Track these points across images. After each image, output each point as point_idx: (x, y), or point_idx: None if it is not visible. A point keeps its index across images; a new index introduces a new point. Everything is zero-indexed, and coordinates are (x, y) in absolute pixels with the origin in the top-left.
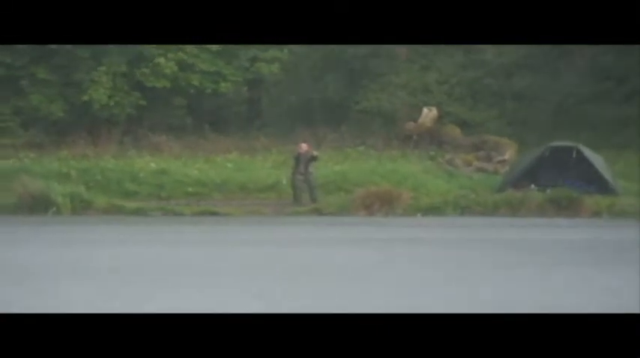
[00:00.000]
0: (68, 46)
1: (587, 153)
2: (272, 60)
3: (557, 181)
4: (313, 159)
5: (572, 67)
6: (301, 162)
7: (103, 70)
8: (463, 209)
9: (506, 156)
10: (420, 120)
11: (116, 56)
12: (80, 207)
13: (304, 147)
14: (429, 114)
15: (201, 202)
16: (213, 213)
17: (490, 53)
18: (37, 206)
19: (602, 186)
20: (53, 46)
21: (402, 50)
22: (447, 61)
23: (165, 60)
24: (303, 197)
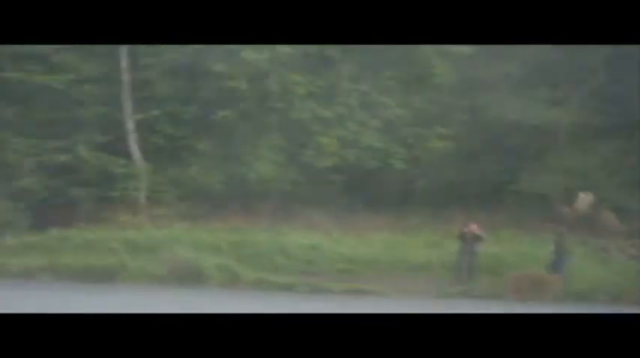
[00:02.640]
0: (231, 117)
1: None
2: (437, 136)
3: None
4: (478, 239)
5: None
6: (467, 242)
7: (264, 145)
8: (615, 296)
9: None
10: (575, 204)
11: (275, 130)
12: (229, 280)
13: (474, 227)
14: (585, 198)
15: (351, 280)
16: (362, 291)
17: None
18: (188, 277)
19: None
20: (215, 118)
21: (561, 133)
22: (609, 145)
23: (328, 138)
24: (464, 277)
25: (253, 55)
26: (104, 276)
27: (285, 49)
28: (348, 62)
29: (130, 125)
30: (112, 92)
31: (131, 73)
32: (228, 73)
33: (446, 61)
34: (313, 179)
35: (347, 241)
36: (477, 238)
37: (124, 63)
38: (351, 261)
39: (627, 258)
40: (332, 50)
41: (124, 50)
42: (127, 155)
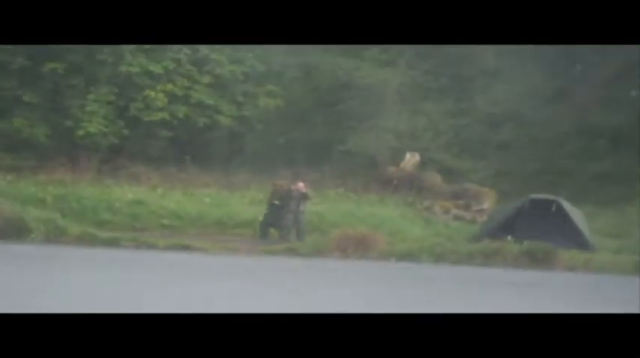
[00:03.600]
0: (59, 72)
1: (567, 207)
2: (268, 94)
3: (535, 234)
4: (305, 198)
5: (560, 121)
6: (293, 200)
7: (92, 98)
8: (438, 256)
9: (485, 206)
10: (402, 164)
11: (105, 85)
12: (54, 234)
13: (301, 185)
14: (411, 159)
15: (176, 235)
16: (186, 247)
17: (480, 102)
18: (10, 229)
19: (579, 241)
20: (43, 70)
21: (392, 94)
22: (437, 107)
23: (155, 92)
24: (290, 235)
25: None
26: None
27: None
28: None
29: None
30: None
31: None
32: None
33: None
34: (141, 134)
35: (173, 197)
36: (303, 197)
37: None
38: (176, 216)
39: (451, 218)
40: None
41: None
42: None
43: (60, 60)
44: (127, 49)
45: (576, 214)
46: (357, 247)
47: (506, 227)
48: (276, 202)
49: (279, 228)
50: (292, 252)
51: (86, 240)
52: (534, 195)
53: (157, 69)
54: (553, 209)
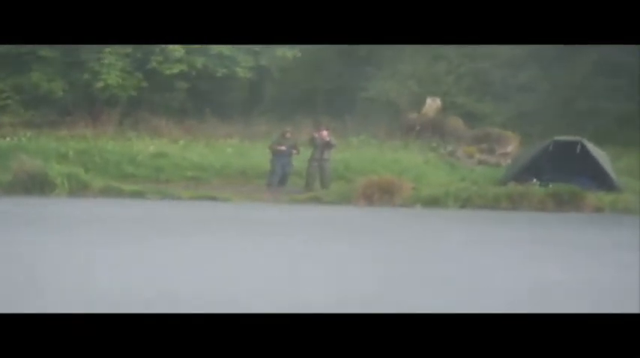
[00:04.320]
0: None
1: (591, 148)
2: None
3: (560, 176)
4: (329, 146)
5: (582, 62)
6: (318, 148)
7: (109, 51)
8: (464, 201)
9: (509, 149)
10: (423, 110)
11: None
12: (77, 188)
13: (324, 134)
14: (432, 104)
15: (200, 187)
16: (212, 198)
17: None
18: (34, 185)
19: (605, 182)
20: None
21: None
22: (456, 50)
23: (174, 45)
24: (315, 183)
25: None
26: None
27: None
28: None
29: None
30: None
31: None
32: None
33: None
34: (160, 86)
35: (195, 148)
36: (327, 145)
37: None
38: (200, 168)
39: (475, 163)
40: None
41: None
42: None
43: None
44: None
45: (601, 155)
46: (382, 194)
47: (531, 170)
48: (283, 148)
49: (284, 177)
50: (317, 200)
51: (111, 194)
52: (558, 137)
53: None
54: (577, 150)
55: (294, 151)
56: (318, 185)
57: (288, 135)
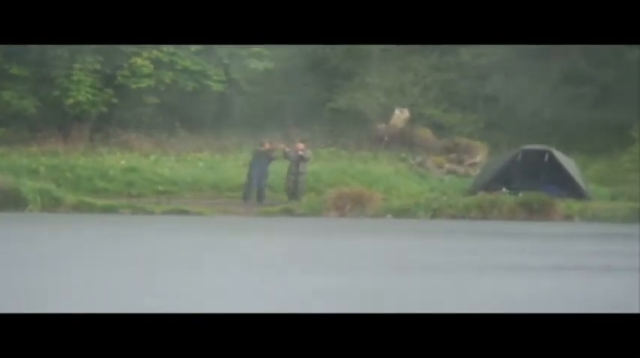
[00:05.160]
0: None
1: (560, 156)
2: (255, 56)
3: (529, 185)
4: (303, 159)
5: (546, 71)
6: (293, 162)
7: (78, 67)
8: (434, 211)
9: (478, 159)
10: (392, 121)
11: (90, 54)
12: (50, 204)
13: (300, 146)
14: (400, 115)
15: (172, 201)
16: (184, 212)
17: (466, 55)
18: (7, 201)
19: (574, 190)
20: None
21: (376, 50)
22: (422, 62)
23: (141, 59)
24: (288, 195)
25: None
26: None
27: None
28: None
29: None
30: None
31: None
32: None
33: None
34: (130, 101)
35: (166, 163)
36: (301, 158)
37: None
38: (171, 182)
39: (444, 173)
40: None
41: None
42: None
43: None
44: None
45: (569, 163)
46: (353, 205)
47: (500, 179)
48: (267, 146)
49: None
50: (289, 212)
51: (83, 209)
52: (526, 146)
53: None
54: (546, 159)
55: (272, 158)
56: (289, 196)
57: (267, 145)
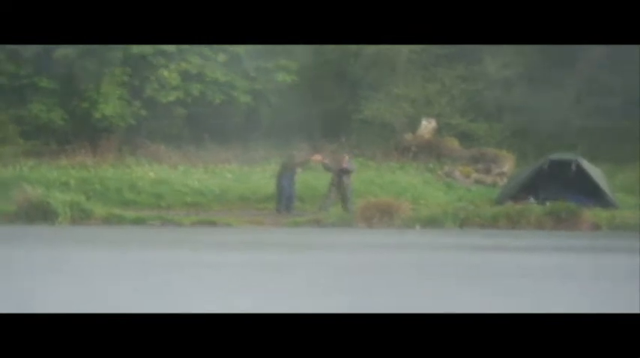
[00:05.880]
0: (72, 56)
1: (586, 166)
2: (281, 69)
3: (557, 194)
4: (347, 171)
5: (572, 80)
6: (335, 174)
7: (106, 80)
8: (462, 221)
9: (505, 169)
10: (419, 132)
11: (118, 66)
12: (79, 216)
13: (345, 158)
14: (427, 126)
15: (201, 213)
16: (212, 223)
17: (491, 66)
18: (37, 214)
19: (601, 199)
20: (56, 55)
21: (402, 61)
22: (448, 72)
23: (169, 72)
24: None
25: None
26: None
27: None
28: None
29: None
30: None
31: None
32: None
33: None
34: (158, 113)
35: (195, 174)
36: (345, 171)
37: None
38: (200, 193)
39: (472, 182)
40: None
41: None
42: None
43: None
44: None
45: (596, 172)
46: (381, 216)
47: (527, 189)
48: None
49: (290, 199)
50: (317, 223)
51: (113, 221)
52: (553, 156)
53: (169, 48)
54: (573, 168)
55: (299, 170)
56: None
57: (296, 158)
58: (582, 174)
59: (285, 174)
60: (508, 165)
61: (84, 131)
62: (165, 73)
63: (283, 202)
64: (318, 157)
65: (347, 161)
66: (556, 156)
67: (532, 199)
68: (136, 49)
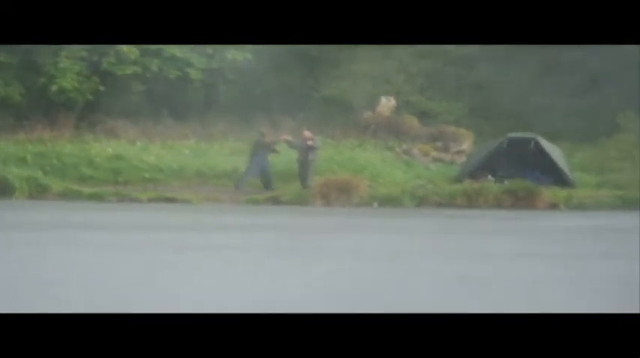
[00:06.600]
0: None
1: (545, 144)
2: (237, 47)
3: (515, 173)
4: (311, 148)
5: (532, 60)
6: (301, 151)
7: (64, 55)
8: (420, 199)
9: (464, 147)
10: (378, 109)
11: None
12: (37, 192)
13: (308, 135)
14: (387, 103)
15: (159, 188)
16: (170, 199)
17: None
18: None
19: (559, 177)
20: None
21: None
22: (407, 49)
23: (128, 47)
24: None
25: None
26: None
27: None
28: None
29: None
30: None
31: None
32: None
33: None
34: (116, 89)
35: (153, 150)
36: (310, 148)
37: None
38: (157, 169)
39: (430, 160)
40: None
41: None
42: None
43: None
44: None
45: (555, 151)
46: (339, 193)
47: (486, 167)
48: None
49: (264, 178)
50: (275, 200)
51: (70, 196)
52: (512, 134)
53: None
54: (531, 146)
55: (275, 151)
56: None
57: (268, 137)
58: (541, 152)
59: (259, 152)
60: (467, 143)
61: (41, 106)
62: (125, 47)
63: (244, 181)
64: (286, 136)
65: (312, 137)
66: (515, 134)
67: (490, 177)
68: None
